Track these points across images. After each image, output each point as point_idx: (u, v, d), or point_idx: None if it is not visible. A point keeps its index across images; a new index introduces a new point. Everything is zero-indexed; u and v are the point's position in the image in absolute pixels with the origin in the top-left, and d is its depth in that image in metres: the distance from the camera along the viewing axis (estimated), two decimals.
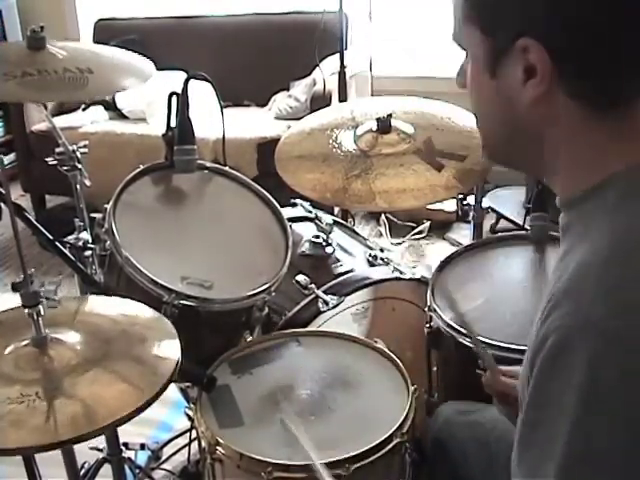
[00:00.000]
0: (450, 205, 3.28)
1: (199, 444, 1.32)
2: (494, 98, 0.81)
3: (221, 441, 1.23)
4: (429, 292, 1.55)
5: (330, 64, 3.17)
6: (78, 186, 1.82)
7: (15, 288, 1.13)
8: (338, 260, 1.82)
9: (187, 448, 1.79)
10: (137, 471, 1.78)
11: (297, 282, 1.73)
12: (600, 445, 0.67)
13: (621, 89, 0.75)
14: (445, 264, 1.64)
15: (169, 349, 1.17)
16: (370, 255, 1.87)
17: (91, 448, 1.67)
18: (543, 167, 0.83)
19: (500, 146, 0.87)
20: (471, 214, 1.88)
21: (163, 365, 1.14)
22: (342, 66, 2.85)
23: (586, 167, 0.78)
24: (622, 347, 0.67)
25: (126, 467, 1.69)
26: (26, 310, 1.14)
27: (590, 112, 0.76)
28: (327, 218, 1.94)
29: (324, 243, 1.84)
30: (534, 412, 0.73)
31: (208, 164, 1.75)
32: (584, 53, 0.73)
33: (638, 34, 0.72)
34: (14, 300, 1.16)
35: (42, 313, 1.15)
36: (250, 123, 3.44)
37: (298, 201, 2.03)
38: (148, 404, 1.06)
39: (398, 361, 1.39)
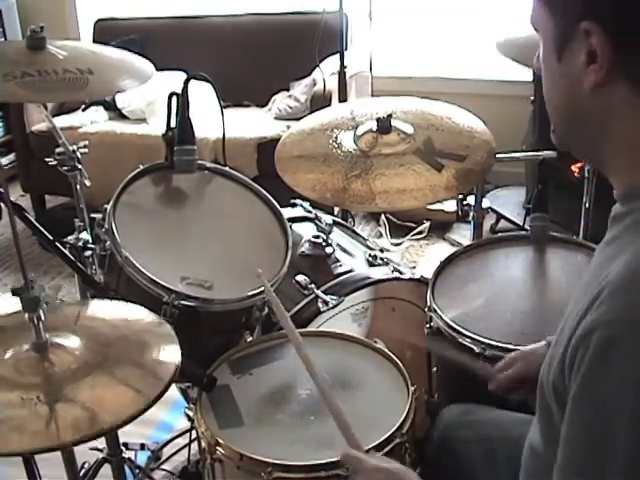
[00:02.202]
0: (450, 205, 3.27)
1: (199, 444, 1.32)
2: (559, 81, 0.81)
3: (221, 441, 1.23)
4: (429, 292, 1.56)
5: (330, 64, 3.17)
6: (78, 186, 1.82)
7: (15, 293, 1.13)
8: (338, 260, 1.82)
9: (187, 448, 1.79)
10: (137, 471, 1.78)
11: (297, 282, 1.73)
12: None
13: None
14: (445, 264, 1.64)
15: (169, 353, 1.17)
16: (370, 255, 1.87)
17: (91, 448, 1.67)
18: (600, 155, 0.83)
19: (564, 130, 0.86)
20: (471, 214, 1.88)
21: (163, 369, 1.14)
22: (342, 66, 2.85)
23: None
24: None
25: (126, 467, 1.70)
26: (26, 315, 1.14)
27: None
28: (327, 218, 1.94)
29: (324, 243, 1.84)
30: (586, 408, 0.71)
31: (208, 164, 1.75)
32: None
33: None
34: (14, 300, 1.16)
35: (42, 318, 1.15)
36: (250, 123, 3.44)
37: (298, 201, 2.03)
38: (148, 407, 1.06)
39: (398, 361, 1.39)
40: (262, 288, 1.53)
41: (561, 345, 0.76)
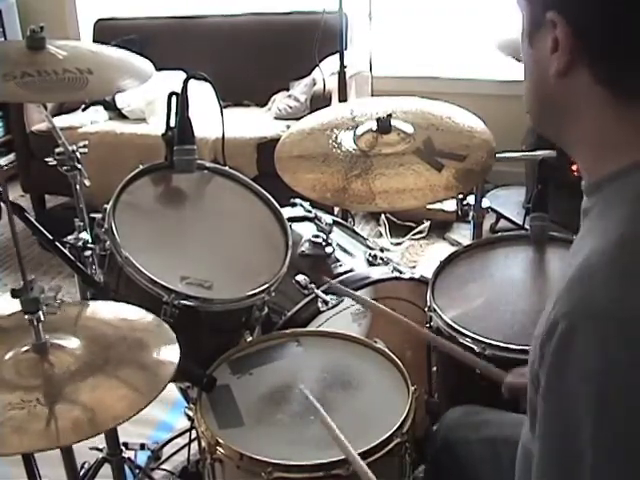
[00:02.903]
0: (450, 205, 3.27)
1: (199, 444, 1.32)
2: (530, 65, 0.84)
3: (221, 441, 1.23)
4: (429, 292, 1.56)
5: (330, 64, 3.17)
6: (78, 186, 1.82)
7: (15, 295, 1.13)
8: (338, 260, 1.82)
9: (187, 448, 1.79)
10: (137, 471, 1.78)
11: (297, 282, 1.73)
12: (625, 430, 0.67)
13: None
14: (445, 264, 1.64)
15: (168, 354, 1.18)
16: (370, 255, 1.87)
17: (91, 448, 1.67)
18: (571, 144, 0.84)
19: (535, 113, 0.88)
20: (471, 214, 1.88)
21: (163, 369, 1.14)
22: (342, 66, 2.85)
23: (609, 153, 0.79)
24: (633, 330, 0.67)
25: (126, 467, 1.70)
26: (26, 316, 1.14)
27: (612, 97, 0.76)
28: (327, 218, 1.94)
29: (324, 243, 1.84)
30: (551, 401, 0.73)
31: (208, 164, 1.75)
32: (603, 33, 0.74)
33: None
34: (14, 300, 1.16)
35: (42, 319, 1.14)
36: (250, 123, 3.44)
37: (298, 201, 2.03)
38: (141, 410, 1.06)
39: (398, 361, 1.39)
40: (262, 288, 1.53)
41: (536, 339, 0.78)
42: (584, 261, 0.73)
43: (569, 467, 0.71)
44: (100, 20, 4.15)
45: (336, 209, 2.70)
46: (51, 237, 1.47)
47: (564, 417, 0.71)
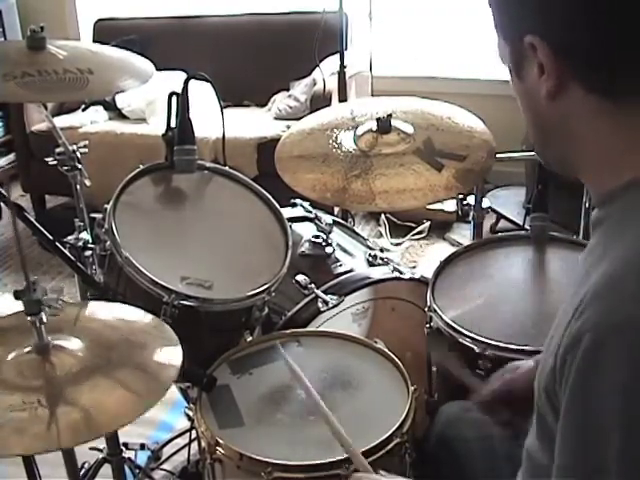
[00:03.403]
0: (450, 205, 3.27)
1: (199, 444, 1.32)
2: (524, 99, 0.84)
3: (221, 441, 1.23)
4: (429, 292, 1.55)
5: (330, 64, 3.17)
6: (78, 186, 1.82)
7: (17, 296, 1.13)
8: (338, 260, 1.82)
9: (187, 448, 1.79)
10: (137, 471, 1.78)
11: (297, 282, 1.73)
12: None
13: (634, 79, 0.75)
14: (445, 264, 1.64)
15: (170, 356, 1.17)
16: (370, 255, 1.87)
17: (91, 448, 1.67)
18: (573, 164, 0.84)
19: (540, 146, 0.88)
20: (471, 214, 1.88)
21: (164, 372, 1.14)
22: (342, 66, 2.85)
23: (617, 162, 0.78)
24: None
25: (126, 467, 1.70)
26: (29, 318, 1.14)
27: (607, 105, 0.76)
28: (327, 218, 1.94)
29: (324, 243, 1.84)
30: (577, 414, 0.71)
31: (208, 164, 1.75)
32: (584, 46, 0.74)
33: (631, 25, 0.72)
34: (14, 300, 1.16)
35: (44, 320, 1.14)
36: (250, 123, 3.44)
37: (298, 201, 2.03)
38: (148, 409, 1.06)
39: (398, 361, 1.39)
40: (262, 288, 1.53)
41: (551, 352, 0.77)
42: (609, 271, 0.72)
43: (590, 476, 0.69)
44: (100, 20, 4.15)
45: (336, 209, 2.70)
46: (51, 237, 1.47)
47: (589, 432, 0.70)
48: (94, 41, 4.01)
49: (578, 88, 0.76)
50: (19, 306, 1.15)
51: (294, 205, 2.05)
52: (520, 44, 0.78)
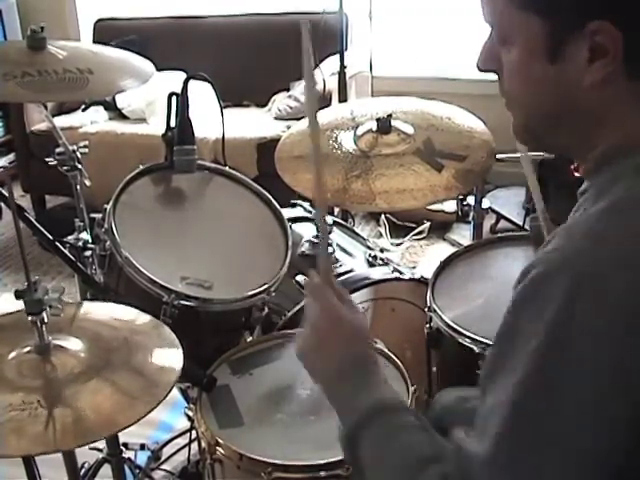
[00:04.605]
0: (450, 205, 3.27)
1: (199, 444, 1.32)
2: (550, 80, 0.80)
3: (221, 441, 1.23)
4: (429, 292, 1.55)
5: (330, 64, 3.17)
6: (78, 186, 1.82)
7: (19, 296, 1.13)
8: (338, 260, 1.82)
9: (187, 448, 1.79)
10: (137, 471, 1.78)
11: (297, 282, 1.73)
12: (561, 382, 0.67)
13: None
14: (445, 264, 1.64)
15: (171, 360, 1.18)
16: (370, 255, 1.87)
17: (91, 448, 1.67)
18: (584, 147, 0.83)
19: (543, 126, 0.86)
20: (471, 214, 1.88)
21: (164, 377, 1.14)
22: (342, 66, 2.85)
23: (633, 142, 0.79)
24: (600, 287, 0.68)
25: (126, 467, 1.69)
26: (30, 318, 1.14)
27: None
28: (327, 218, 1.94)
29: None
30: (503, 343, 0.74)
31: (208, 164, 1.75)
32: None
33: None
34: (14, 301, 1.16)
35: (45, 320, 1.14)
36: (250, 123, 3.44)
37: (298, 201, 2.03)
38: (146, 416, 1.06)
39: (398, 361, 1.39)
40: (262, 288, 1.53)
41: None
42: (570, 222, 0.77)
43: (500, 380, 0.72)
44: (100, 20, 4.14)
45: (336, 209, 2.70)
46: (51, 237, 1.47)
47: (503, 354, 0.73)
48: (94, 41, 4.01)
49: (622, 79, 0.76)
50: (19, 306, 1.15)
51: (294, 205, 2.05)
52: (574, 24, 0.75)
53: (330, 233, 1.88)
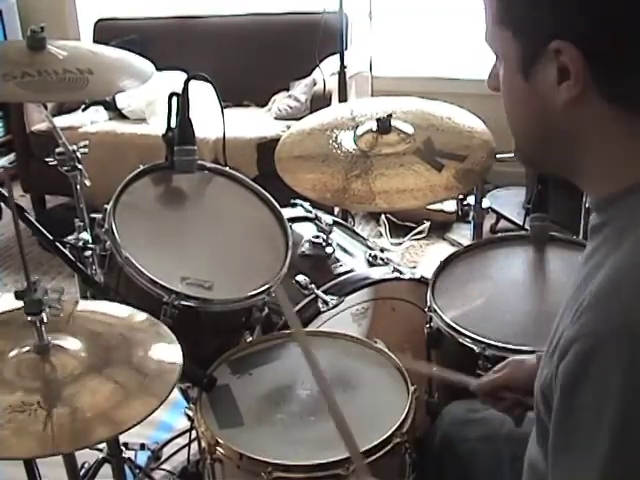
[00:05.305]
0: (450, 205, 3.28)
1: (199, 444, 1.32)
2: (527, 99, 0.81)
3: (221, 441, 1.23)
4: (429, 292, 1.55)
5: (330, 64, 3.17)
6: (78, 186, 1.82)
7: (18, 296, 1.13)
8: (338, 260, 1.82)
9: (187, 448, 1.79)
10: (137, 471, 1.78)
11: (297, 282, 1.73)
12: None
13: None
14: (445, 264, 1.64)
15: (171, 360, 1.17)
16: (370, 255, 1.87)
17: (91, 448, 1.67)
18: (574, 168, 0.82)
19: (532, 148, 0.86)
20: (471, 214, 1.88)
21: (164, 376, 1.14)
22: (342, 66, 2.85)
23: (622, 169, 0.77)
24: None
25: (126, 467, 1.70)
26: (29, 318, 1.14)
27: (625, 114, 0.75)
28: (327, 218, 1.94)
29: (324, 243, 1.84)
30: (568, 419, 0.71)
31: (208, 164, 1.75)
32: (617, 53, 0.73)
33: None
34: (14, 301, 1.16)
35: (45, 321, 1.14)
36: (250, 123, 3.44)
37: (298, 201, 2.03)
38: (147, 417, 1.06)
39: (398, 361, 1.39)
40: (262, 288, 1.53)
41: (549, 356, 0.77)
42: (607, 278, 0.71)
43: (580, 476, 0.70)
44: (100, 20, 4.15)
45: (336, 209, 2.70)
46: (51, 237, 1.47)
47: (575, 437, 0.70)
48: (94, 41, 4.01)
49: (597, 98, 0.75)
50: (19, 305, 1.15)
51: (294, 205, 2.05)
52: (541, 44, 0.75)
53: (330, 233, 1.88)
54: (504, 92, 0.84)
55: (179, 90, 1.62)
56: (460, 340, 1.43)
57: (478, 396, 1.22)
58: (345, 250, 1.90)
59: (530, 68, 0.78)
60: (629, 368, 0.66)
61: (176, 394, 1.95)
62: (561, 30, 0.73)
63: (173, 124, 1.64)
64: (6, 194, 1.31)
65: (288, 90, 3.66)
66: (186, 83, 1.61)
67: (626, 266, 0.71)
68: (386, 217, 3.48)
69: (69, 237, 1.80)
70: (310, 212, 2.00)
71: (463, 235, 3.30)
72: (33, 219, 1.44)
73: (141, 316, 1.29)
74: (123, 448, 1.67)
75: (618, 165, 0.77)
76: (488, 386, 1.19)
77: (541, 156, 0.86)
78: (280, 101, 3.62)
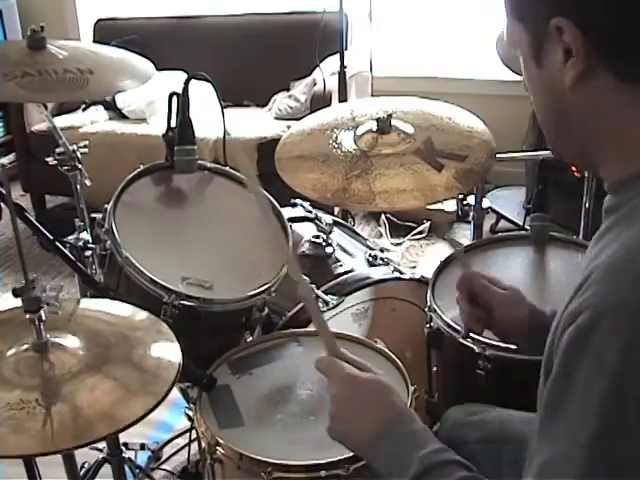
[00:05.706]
0: (450, 205, 3.27)
1: (199, 444, 1.32)
2: (542, 87, 0.82)
3: (221, 441, 1.23)
4: (429, 292, 1.55)
5: (330, 64, 3.17)
6: (78, 186, 1.82)
7: (17, 294, 1.13)
8: (338, 260, 1.82)
9: (187, 448, 1.79)
10: (137, 471, 1.78)
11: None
12: (631, 432, 0.66)
13: None
14: (445, 264, 1.64)
15: (170, 358, 1.17)
16: (370, 255, 1.87)
17: (91, 448, 1.66)
18: (592, 153, 0.82)
19: (554, 137, 0.87)
20: (471, 214, 1.88)
21: (164, 374, 1.14)
22: (342, 66, 2.85)
23: (637, 150, 0.77)
24: None
25: (126, 467, 1.70)
26: (27, 315, 1.14)
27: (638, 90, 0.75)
28: (327, 218, 1.94)
29: (324, 243, 1.84)
30: (562, 390, 0.72)
31: (208, 164, 1.75)
32: (617, 27, 0.73)
33: None
34: (14, 301, 1.16)
35: (43, 318, 1.14)
36: (250, 123, 3.44)
37: (298, 201, 2.03)
38: (148, 414, 1.06)
39: (398, 361, 1.39)
40: (262, 288, 1.53)
41: (552, 329, 0.78)
42: (614, 255, 0.72)
43: (566, 444, 0.70)
44: (100, 20, 4.15)
45: (336, 209, 2.70)
46: (51, 237, 1.47)
47: (567, 410, 0.71)
48: (94, 41, 4.02)
49: (605, 72, 0.75)
50: (20, 302, 1.15)
51: (294, 205, 2.05)
52: (544, 27, 0.76)
53: (330, 233, 1.88)
54: (527, 86, 0.85)
55: (179, 90, 1.62)
56: (460, 340, 1.43)
57: (458, 283, 1.23)
58: (345, 250, 1.90)
59: (540, 54, 0.79)
60: (629, 345, 0.66)
61: (176, 394, 1.95)
62: (559, 8, 0.74)
63: (173, 124, 1.64)
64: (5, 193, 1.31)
65: (288, 90, 3.67)
66: (186, 83, 1.61)
67: (636, 244, 0.72)
68: (386, 217, 3.48)
69: (69, 237, 1.80)
70: (310, 212, 2.00)
71: (463, 235, 3.31)
72: (33, 219, 1.45)
73: (142, 314, 1.29)
74: (123, 448, 1.68)
75: (633, 146, 0.77)
76: (478, 281, 1.21)
77: (562, 144, 0.87)
78: (280, 101, 3.62)
